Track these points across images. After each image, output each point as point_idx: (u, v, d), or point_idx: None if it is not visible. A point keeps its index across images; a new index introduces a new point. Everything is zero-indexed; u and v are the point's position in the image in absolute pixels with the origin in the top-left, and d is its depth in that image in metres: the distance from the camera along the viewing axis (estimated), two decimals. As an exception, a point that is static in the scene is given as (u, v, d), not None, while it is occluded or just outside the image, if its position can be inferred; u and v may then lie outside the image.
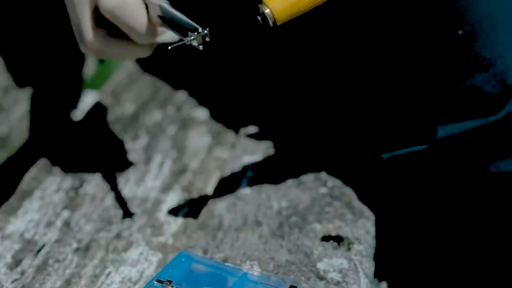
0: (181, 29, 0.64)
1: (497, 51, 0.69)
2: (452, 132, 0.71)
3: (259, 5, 0.61)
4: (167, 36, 0.71)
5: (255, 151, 0.89)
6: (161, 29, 0.70)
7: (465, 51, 0.70)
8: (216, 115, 0.96)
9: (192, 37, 0.62)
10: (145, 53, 0.73)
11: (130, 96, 1.02)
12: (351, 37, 0.82)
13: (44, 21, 1.01)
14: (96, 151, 0.91)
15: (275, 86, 0.97)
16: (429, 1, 0.72)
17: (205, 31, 0.62)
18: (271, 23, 0.61)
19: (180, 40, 0.62)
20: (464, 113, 0.70)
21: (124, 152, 0.90)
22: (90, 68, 1.10)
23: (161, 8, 0.66)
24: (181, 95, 1.02)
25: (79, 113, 1.02)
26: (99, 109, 1.00)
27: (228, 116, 0.96)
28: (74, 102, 1.05)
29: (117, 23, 0.69)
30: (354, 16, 0.80)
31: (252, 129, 0.94)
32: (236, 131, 0.94)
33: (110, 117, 0.98)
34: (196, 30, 0.62)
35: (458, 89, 0.70)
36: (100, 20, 0.71)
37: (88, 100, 1.05)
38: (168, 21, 0.66)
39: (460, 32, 0.70)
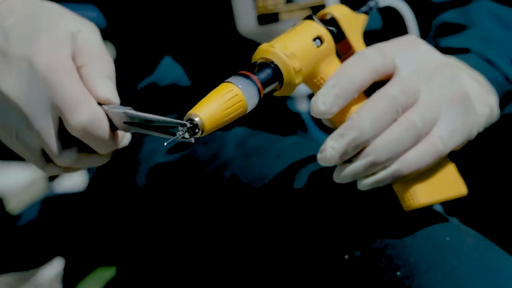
0: (159, 128, 0.65)
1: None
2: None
3: (189, 114, 0.62)
4: (126, 140, 0.70)
5: None
6: (120, 134, 0.69)
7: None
8: None
9: (181, 132, 0.63)
10: (106, 160, 0.70)
11: None
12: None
13: None
14: None
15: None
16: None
17: (190, 124, 0.63)
18: (199, 132, 0.62)
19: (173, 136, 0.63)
20: None
21: None
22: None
23: (127, 114, 0.66)
24: None
25: None
26: None
27: None
28: None
29: (86, 139, 0.66)
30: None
31: None
32: None
33: None
34: (184, 125, 0.63)
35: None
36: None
37: None
38: (138, 124, 0.66)
39: (398, 274, 0.73)
